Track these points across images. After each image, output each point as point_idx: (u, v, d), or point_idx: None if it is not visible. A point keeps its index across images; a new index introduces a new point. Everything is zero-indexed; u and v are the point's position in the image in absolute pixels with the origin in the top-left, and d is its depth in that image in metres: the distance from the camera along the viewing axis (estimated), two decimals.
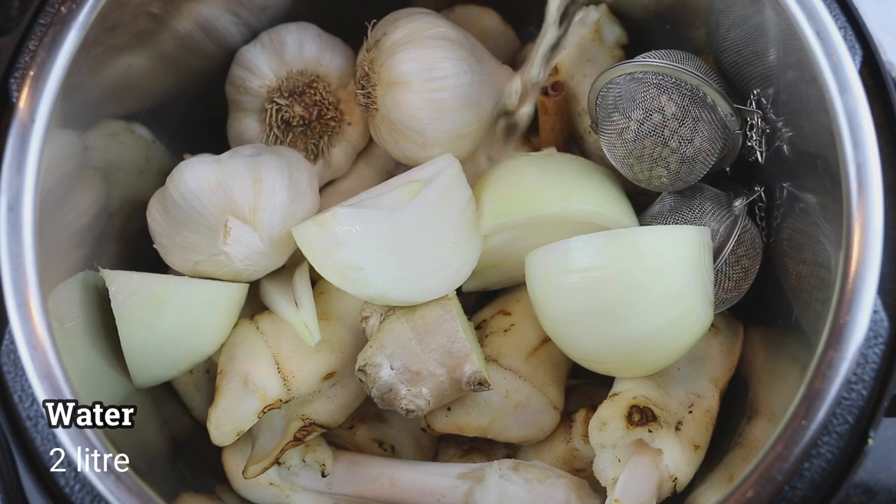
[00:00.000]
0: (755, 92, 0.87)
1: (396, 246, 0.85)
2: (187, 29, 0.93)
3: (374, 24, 0.96)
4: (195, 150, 0.98)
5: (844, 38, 0.73)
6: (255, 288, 0.95)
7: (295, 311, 0.89)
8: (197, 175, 0.86)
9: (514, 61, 1.08)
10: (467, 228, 0.90)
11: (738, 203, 0.90)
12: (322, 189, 1.00)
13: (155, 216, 0.90)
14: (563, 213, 0.88)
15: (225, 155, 0.89)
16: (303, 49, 1.00)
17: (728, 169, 0.95)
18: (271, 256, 0.90)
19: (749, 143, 0.89)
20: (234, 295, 0.90)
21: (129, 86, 0.91)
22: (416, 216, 0.86)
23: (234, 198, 0.86)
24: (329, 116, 1.00)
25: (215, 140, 1.03)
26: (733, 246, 0.88)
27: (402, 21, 0.94)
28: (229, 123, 1.02)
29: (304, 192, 0.91)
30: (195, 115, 1.02)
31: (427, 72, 0.91)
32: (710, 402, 0.89)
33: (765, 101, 0.86)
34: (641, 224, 0.93)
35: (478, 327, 0.95)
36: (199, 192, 0.86)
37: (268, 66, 0.99)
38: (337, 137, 1.02)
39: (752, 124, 0.88)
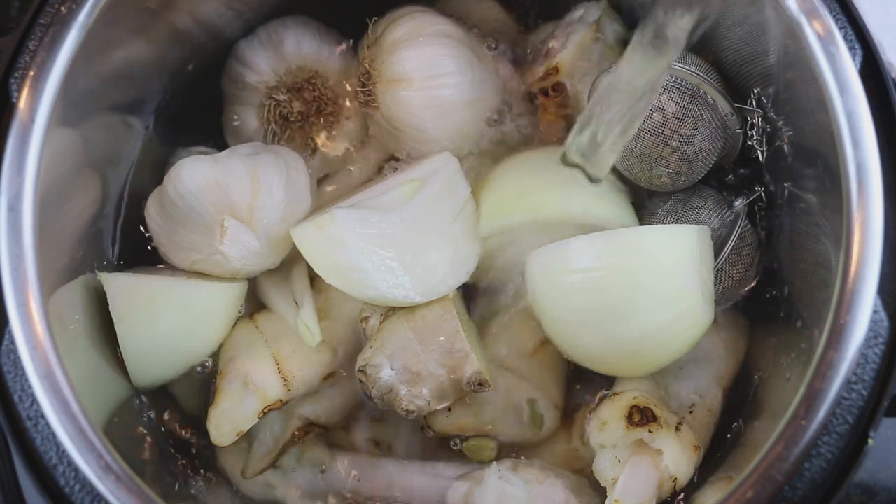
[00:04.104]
0: (755, 91, 0.87)
1: (396, 246, 0.85)
2: (184, 22, 0.93)
3: (375, 21, 0.96)
4: (192, 145, 0.98)
5: (844, 38, 0.73)
6: (255, 286, 0.95)
7: (295, 312, 0.89)
8: (195, 174, 0.86)
9: (514, 51, 1.07)
10: (466, 227, 0.90)
11: (739, 202, 0.90)
12: (319, 183, 1.00)
13: (153, 215, 0.90)
14: (563, 215, 0.88)
15: (223, 154, 0.89)
16: (301, 45, 0.99)
17: (728, 168, 0.95)
18: (268, 256, 0.89)
19: (749, 143, 0.89)
20: (233, 295, 0.90)
21: (127, 81, 0.91)
22: (415, 216, 0.86)
23: (232, 197, 0.86)
24: (327, 112, 1.00)
25: (211, 134, 1.03)
26: (734, 245, 0.88)
27: (403, 19, 0.94)
28: (226, 117, 1.02)
29: (302, 191, 0.91)
30: (191, 108, 1.02)
31: (428, 69, 0.91)
32: (713, 401, 0.89)
33: (765, 101, 0.86)
34: (641, 224, 0.92)
35: (477, 325, 0.95)
36: (197, 192, 0.86)
37: (266, 62, 0.99)
38: (335, 132, 1.01)
39: (752, 123, 0.88)
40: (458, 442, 0.91)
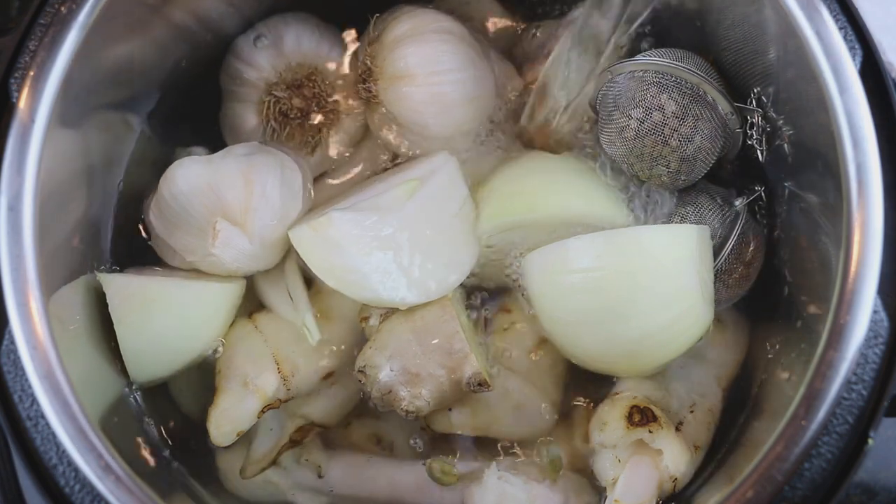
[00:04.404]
0: (755, 91, 0.87)
1: (392, 248, 0.85)
2: (183, 19, 0.93)
3: (376, 18, 0.96)
4: (190, 142, 0.98)
5: (844, 38, 0.73)
6: (253, 285, 0.95)
7: (294, 311, 0.89)
8: (188, 176, 0.86)
9: (514, 48, 1.07)
10: (465, 227, 0.90)
11: (739, 202, 0.90)
12: (317, 179, 1.00)
13: (150, 217, 0.90)
14: (563, 213, 0.88)
15: (218, 154, 0.89)
16: (300, 42, 0.99)
17: (729, 167, 0.95)
18: (263, 257, 0.89)
19: (749, 142, 0.89)
20: (231, 294, 0.90)
21: (126, 81, 0.91)
22: (413, 217, 0.86)
23: (226, 199, 0.86)
24: (327, 109, 1.00)
25: (210, 132, 1.02)
26: (735, 244, 0.88)
27: (405, 16, 0.94)
28: (224, 114, 1.01)
29: (298, 191, 0.90)
30: (189, 106, 1.02)
31: (430, 65, 0.91)
32: (713, 401, 0.89)
33: (765, 100, 0.86)
34: (643, 222, 0.92)
35: (476, 324, 0.95)
36: (191, 194, 0.86)
37: (265, 58, 0.98)
38: (335, 129, 1.01)
39: (752, 123, 0.88)
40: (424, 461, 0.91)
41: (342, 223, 0.83)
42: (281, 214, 0.88)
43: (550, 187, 0.89)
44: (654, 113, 0.85)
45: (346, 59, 1.02)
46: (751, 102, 0.88)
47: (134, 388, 0.89)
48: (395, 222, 0.85)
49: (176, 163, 0.87)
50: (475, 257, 0.90)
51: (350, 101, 1.01)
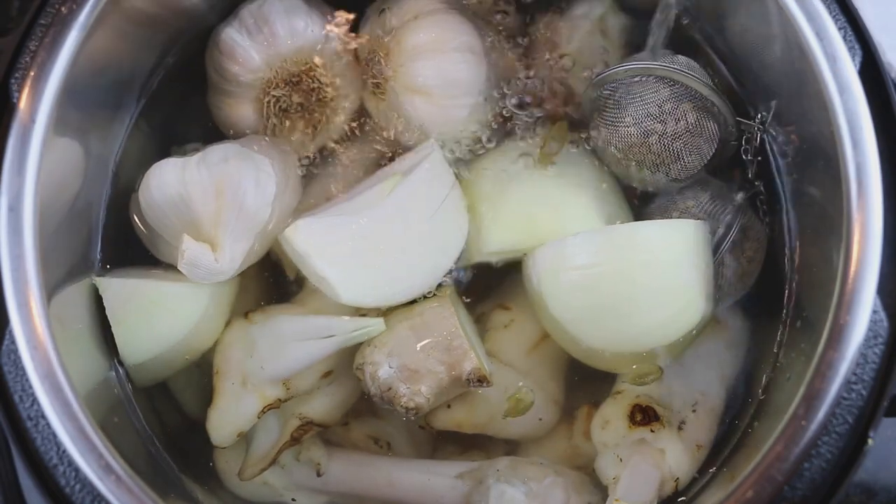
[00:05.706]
0: (756, 90, 0.87)
1: (364, 251, 0.85)
2: (157, 11, 0.91)
3: (386, 7, 0.95)
4: (187, 137, 0.98)
5: (844, 38, 0.73)
6: (248, 283, 0.94)
7: None
8: (161, 186, 0.84)
9: (517, 44, 1.06)
10: (450, 216, 0.89)
11: (739, 196, 0.90)
12: (316, 175, 0.99)
13: (135, 220, 0.91)
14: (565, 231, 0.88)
15: (194, 159, 0.86)
16: (294, 32, 0.95)
17: (729, 164, 0.95)
18: (230, 272, 0.86)
19: (747, 145, 0.89)
20: (225, 293, 0.90)
21: (126, 80, 0.92)
22: (390, 215, 0.85)
23: (196, 212, 0.84)
24: (328, 98, 0.98)
25: (207, 124, 1.01)
26: (737, 240, 0.88)
27: (426, 21, 0.93)
28: (217, 107, 0.99)
29: (276, 197, 0.88)
30: (185, 101, 1.01)
31: (448, 87, 0.91)
32: (715, 400, 0.89)
33: (767, 100, 0.86)
34: (642, 217, 0.92)
35: (476, 321, 0.95)
36: (164, 204, 0.85)
37: (259, 55, 0.94)
38: (334, 114, 1.00)
39: (751, 123, 0.88)
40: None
41: (305, 232, 0.84)
42: (256, 222, 0.86)
43: (560, 210, 0.90)
44: (655, 119, 0.85)
45: (343, 43, 0.99)
46: (752, 103, 0.88)
47: (133, 387, 0.89)
48: (366, 224, 0.85)
49: (151, 169, 0.86)
50: (461, 243, 0.90)
51: (349, 86, 0.99)
